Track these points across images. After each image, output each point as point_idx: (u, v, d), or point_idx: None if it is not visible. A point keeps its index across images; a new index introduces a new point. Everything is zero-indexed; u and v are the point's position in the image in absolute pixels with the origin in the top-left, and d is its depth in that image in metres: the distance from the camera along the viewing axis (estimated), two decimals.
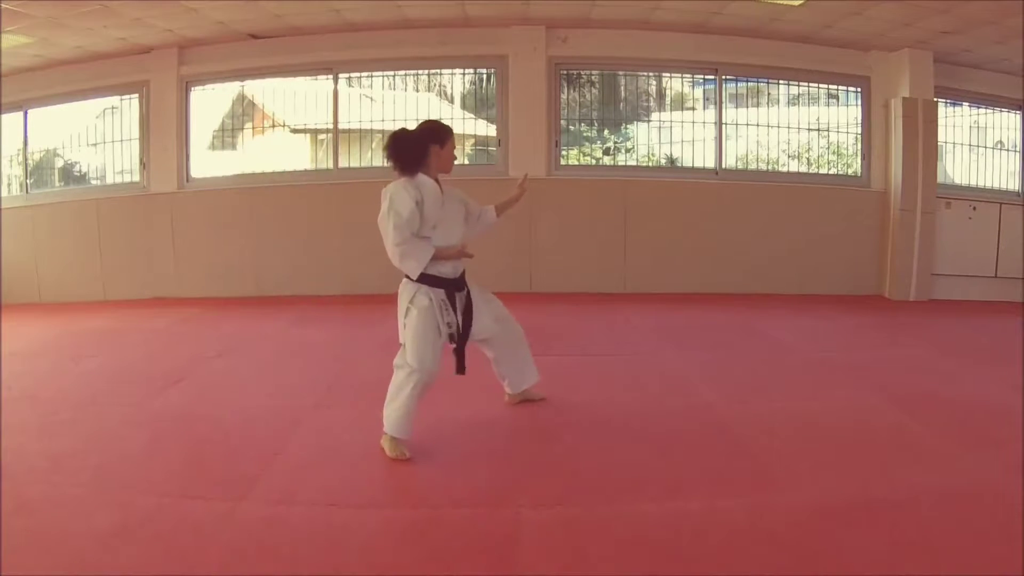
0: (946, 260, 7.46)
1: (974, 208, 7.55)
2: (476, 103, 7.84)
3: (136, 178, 7.61)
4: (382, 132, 7.44)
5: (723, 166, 7.58)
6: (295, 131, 7.88)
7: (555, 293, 7.16)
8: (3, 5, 5.47)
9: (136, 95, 7.51)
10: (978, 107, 7.96)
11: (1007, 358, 5.00)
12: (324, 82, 7.49)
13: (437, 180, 3.28)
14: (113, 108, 7.75)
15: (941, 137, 7.50)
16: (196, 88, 7.53)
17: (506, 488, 2.90)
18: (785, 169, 7.89)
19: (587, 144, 7.99)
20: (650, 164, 7.89)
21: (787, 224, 7.42)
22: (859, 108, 7.70)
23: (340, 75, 7.50)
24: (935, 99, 7.31)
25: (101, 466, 3.10)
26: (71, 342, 5.60)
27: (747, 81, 7.71)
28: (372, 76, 7.72)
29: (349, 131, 7.61)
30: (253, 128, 8.04)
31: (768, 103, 7.72)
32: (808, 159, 8.00)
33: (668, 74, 7.89)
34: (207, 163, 7.71)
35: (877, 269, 7.53)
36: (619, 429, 3.56)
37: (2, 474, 2.94)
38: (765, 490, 2.88)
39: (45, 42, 6.61)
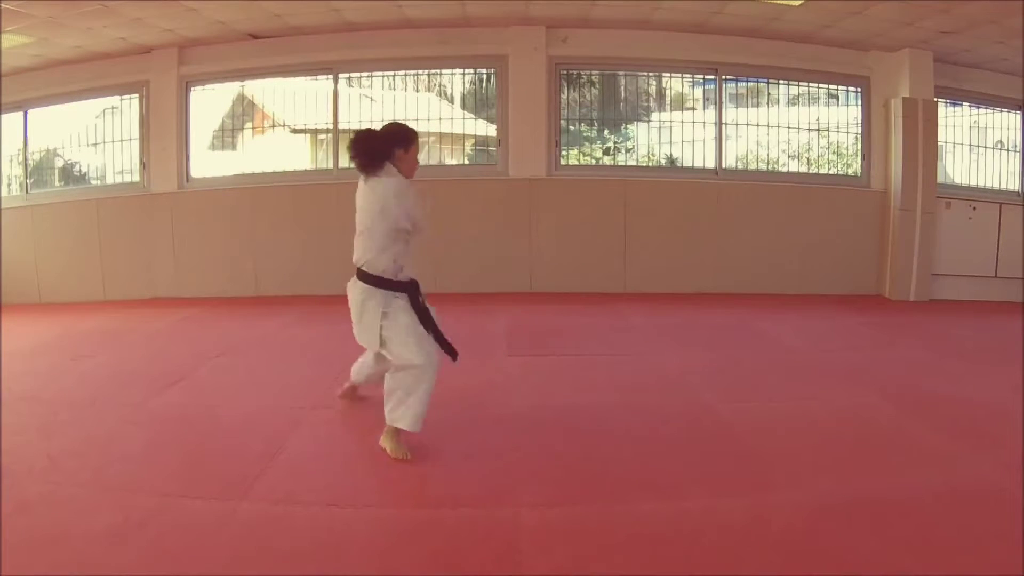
0: (946, 260, 7.46)
1: (974, 208, 7.54)
2: (476, 103, 7.84)
3: (136, 178, 7.61)
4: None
5: (723, 166, 7.58)
6: (295, 131, 7.88)
7: (555, 293, 7.17)
8: (3, 5, 5.47)
9: (136, 95, 7.51)
10: (978, 107, 7.95)
11: (1007, 358, 5.01)
12: (324, 82, 7.48)
13: None
14: (113, 108, 7.74)
15: (941, 137, 7.50)
16: (196, 88, 7.53)
17: (506, 488, 2.89)
18: (785, 169, 7.89)
19: (587, 144, 7.99)
20: (650, 164, 7.89)
21: (787, 224, 7.43)
22: (859, 108, 7.69)
23: (340, 75, 7.49)
24: (935, 99, 7.31)
25: (101, 466, 3.10)
26: (71, 342, 5.60)
27: (747, 81, 7.71)
28: (372, 76, 7.71)
29: (349, 131, 7.59)
30: (253, 128, 8.04)
31: (768, 103, 7.72)
32: (808, 159, 8.00)
33: (668, 74, 7.88)
34: (207, 163, 7.70)
35: (877, 269, 7.53)
36: (619, 429, 3.56)
37: (2, 474, 2.94)
38: (765, 490, 2.88)
39: (45, 42, 6.61)
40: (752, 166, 7.80)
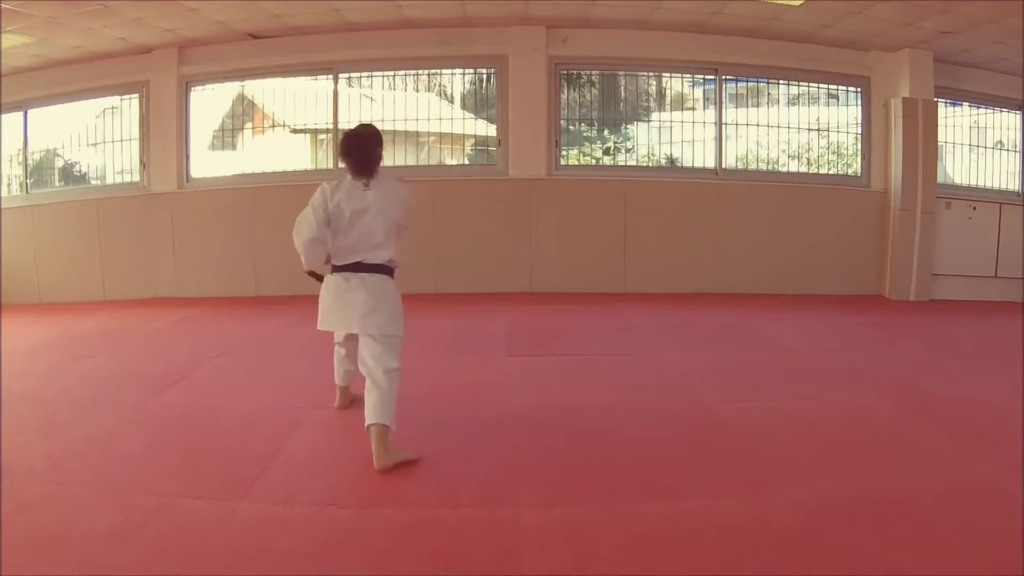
0: (946, 260, 7.46)
1: (974, 208, 7.54)
2: (476, 103, 7.84)
3: (136, 178, 7.61)
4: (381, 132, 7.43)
5: (723, 166, 7.58)
6: (295, 131, 7.88)
7: (555, 293, 7.16)
8: (3, 5, 5.47)
9: (136, 95, 7.51)
10: (978, 107, 7.95)
11: (1007, 358, 5.00)
12: (324, 82, 7.48)
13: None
14: (113, 108, 7.74)
15: (941, 137, 7.50)
16: (196, 88, 7.53)
17: (506, 488, 2.89)
18: (785, 169, 7.89)
19: (587, 144, 7.99)
20: (650, 164, 7.89)
21: (787, 224, 7.42)
22: (859, 108, 7.69)
23: (340, 75, 7.50)
24: (935, 99, 7.31)
25: (101, 466, 3.10)
26: (71, 342, 5.60)
27: (747, 81, 7.71)
28: (372, 76, 7.72)
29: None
30: (253, 128, 8.04)
31: (768, 103, 7.72)
32: (808, 159, 8.00)
33: (668, 74, 7.88)
34: (207, 163, 7.70)
35: (877, 269, 7.53)
36: (619, 429, 3.56)
37: (2, 474, 2.94)
38: (765, 490, 2.88)
39: (45, 42, 6.61)
40: (752, 166, 7.81)
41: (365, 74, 7.70)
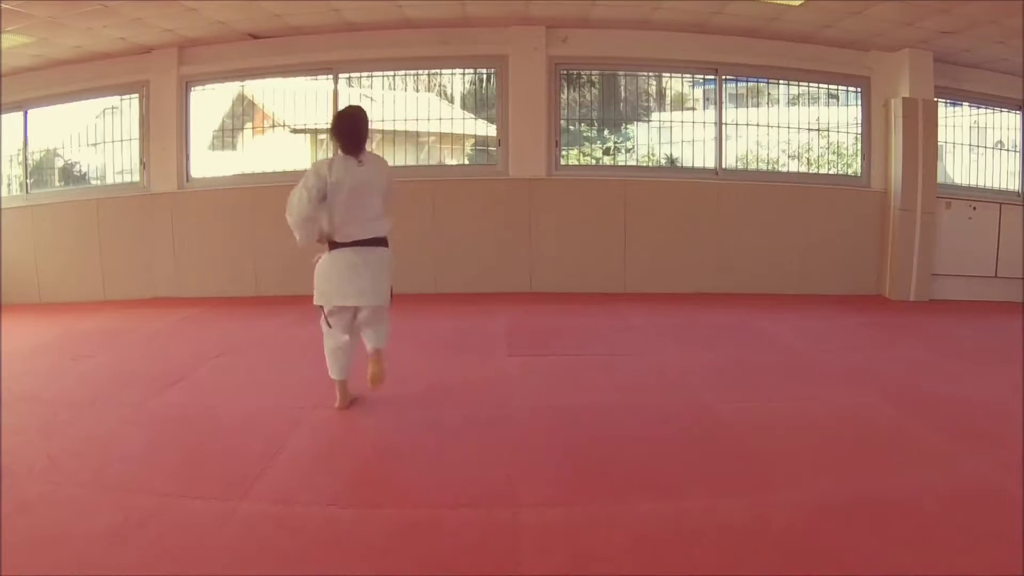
0: (946, 260, 7.45)
1: (974, 208, 7.54)
2: (476, 103, 7.84)
3: (136, 178, 7.61)
4: (381, 132, 7.45)
5: (723, 166, 7.58)
6: (295, 131, 7.88)
7: (555, 293, 7.16)
8: (3, 5, 5.47)
9: (136, 95, 7.50)
10: (978, 107, 7.95)
11: (1007, 358, 5.00)
12: (324, 82, 7.48)
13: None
14: (113, 108, 7.74)
15: (941, 137, 7.50)
16: (196, 88, 7.53)
17: (506, 488, 2.89)
18: (785, 169, 7.89)
19: (587, 144, 7.99)
20: (650, 164, 7.89)
21: (787, 224, 7.42)
22: (859, 108, 7.69)
23: (340, 75, 7.49)
24: (935, 99, 7.31)
25: (101, 466, 3.10)
26: (71, 342, 5.60)
27: (747, 81, 7.70)
28: (372, 76, 7.71)
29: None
30: (253, 128, 8.04)
31: (768, 103, 7.72)
32: (808, 159, 8.00)
33: (668, 74, 7.88)
34: (207, 163, 7.70)
35: (877, 269, 7.53)
36: (619, 429, 3.57)
37: (2, 474, 2.94)
38: (765, 490, 2.88)
39: (45, 42, 6.61)
40: (752, 166, 7.80)
41: (365, 74, 7.69)
